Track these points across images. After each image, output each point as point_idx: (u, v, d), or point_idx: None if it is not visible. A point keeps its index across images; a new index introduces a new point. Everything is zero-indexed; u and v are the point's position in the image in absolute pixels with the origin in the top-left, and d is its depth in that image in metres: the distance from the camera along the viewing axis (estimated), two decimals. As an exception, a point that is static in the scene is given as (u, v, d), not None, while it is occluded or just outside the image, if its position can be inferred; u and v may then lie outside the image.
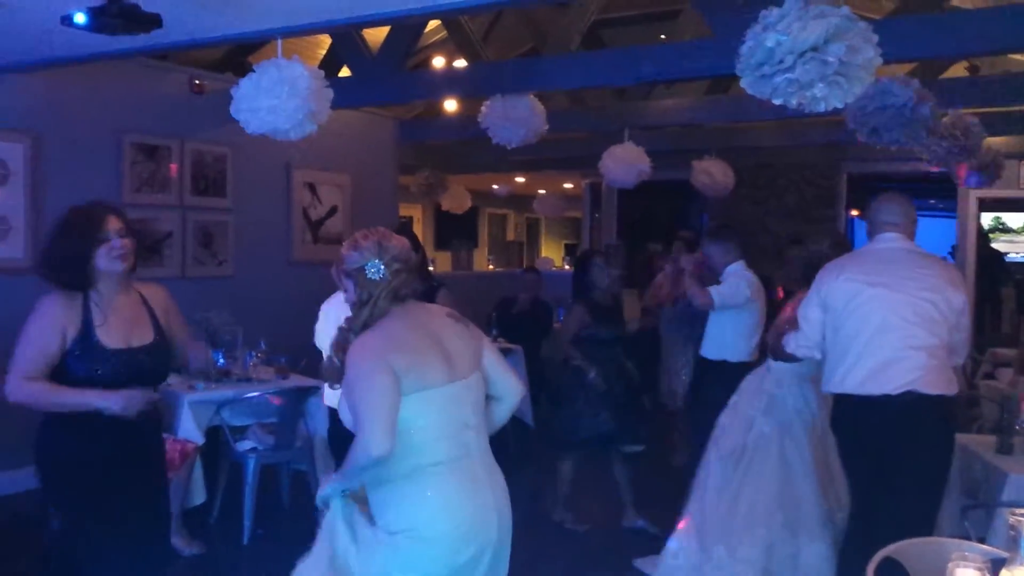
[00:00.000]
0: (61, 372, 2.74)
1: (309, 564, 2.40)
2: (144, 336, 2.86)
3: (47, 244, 2.85)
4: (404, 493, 2.35)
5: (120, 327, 2.81)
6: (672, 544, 4.17)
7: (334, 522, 2.38)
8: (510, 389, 2.63)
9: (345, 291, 2.54)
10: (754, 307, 4.82)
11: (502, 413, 2.66)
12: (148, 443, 2.99)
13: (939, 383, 3.26)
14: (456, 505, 2.36)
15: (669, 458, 6.35)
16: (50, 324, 2.72)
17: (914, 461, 3.26)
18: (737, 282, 4.78)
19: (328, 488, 2.40)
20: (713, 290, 4.77)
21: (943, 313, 3.30)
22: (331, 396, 3.38)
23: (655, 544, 4.61)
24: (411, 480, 2.34)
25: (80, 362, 2.73)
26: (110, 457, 2.80)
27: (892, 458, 3.28)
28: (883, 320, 3.30)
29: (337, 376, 2.47)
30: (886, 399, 3.25)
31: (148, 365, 2.85)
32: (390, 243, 2.50)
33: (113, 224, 2.80)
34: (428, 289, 4.50)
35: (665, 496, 5.38)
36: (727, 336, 4.81)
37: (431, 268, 8.91)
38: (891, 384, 3.25)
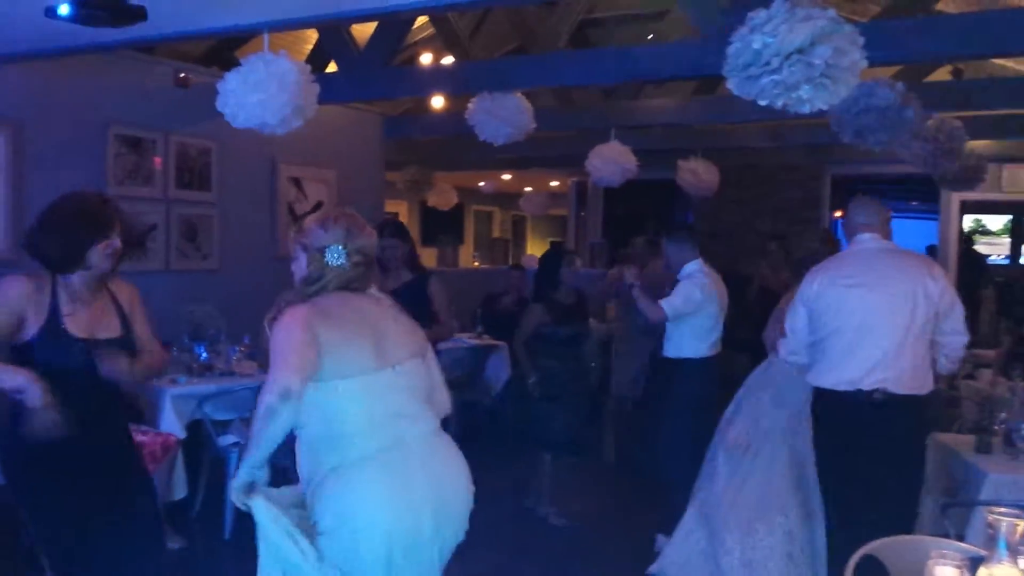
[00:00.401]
0: (27, 362, 2.71)
1: None
2: (111, 330, 2.86)
3: (49, 222, 2.81)
4: (334, 488, 2.30)
5: (87, 318, 2.81)
6: (683, 529, 4.26)
7: (273, 537, 2.28)
8: (438, 404, 2.57)
9: (294, 260, 2.52)
10: (709, 308, 4.77)
11: None
12: (114, 438, 2.95)
13: (911, 383, 3.42)
14: (385, 499, 2.29)
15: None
16: (5, 303, 2.72)
17: (887, 456, 3.40)
18: (688, 289, 4.72)
19: (242, 470, 2.28)
20: (665, 303, 4.70)
21: (922, 307, 3.43)
22: None
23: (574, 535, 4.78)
24: (340, 475, 2.29)
25: (46, 350, 2.72)
26: (76, 454, 2.76)
27: (865, 453, 3.43)
28: (862, 321, 3.45)
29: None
30: (859, 395, 3.42)
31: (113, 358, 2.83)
32: (360, 233, 2.46)
33: (118, 226, 2.85)
34: (420, 278, 4.51)
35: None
36: (684, 338, 4.80)
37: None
38: (865, 382, 3.42)
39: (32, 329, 2.72)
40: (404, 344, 2.46)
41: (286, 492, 2.42)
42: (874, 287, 3.46)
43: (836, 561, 3.46)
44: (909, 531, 3.27)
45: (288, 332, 2.28)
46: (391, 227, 4.65)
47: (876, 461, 3.39)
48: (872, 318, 3.43)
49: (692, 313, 4.72)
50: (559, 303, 5.03)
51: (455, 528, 2.47)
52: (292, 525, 2.27)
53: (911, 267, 3.52)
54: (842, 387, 3.47)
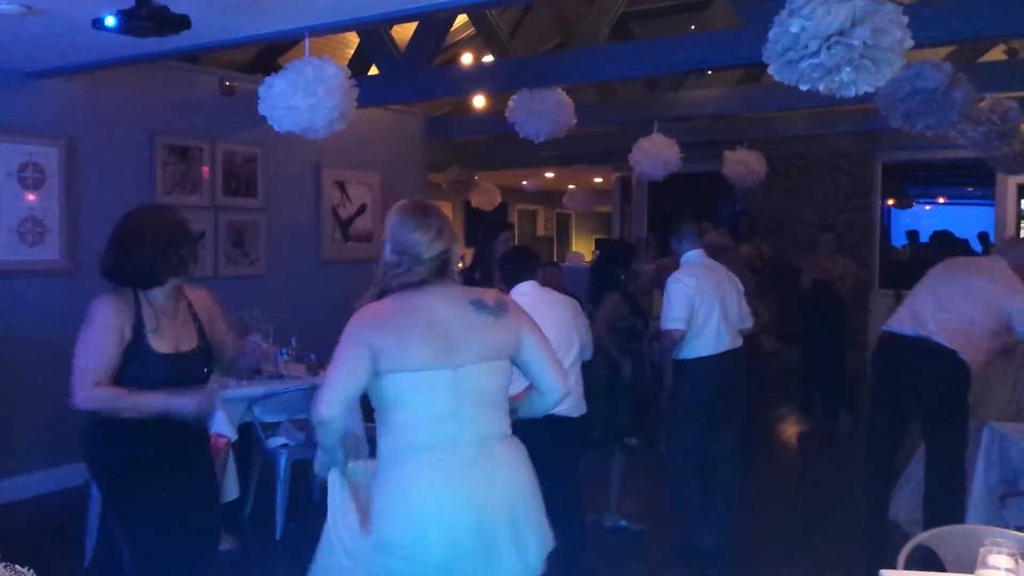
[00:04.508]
0: (115, 378, 2.76)
1: (323, 551, 2.48)
2: (191, 341, 2.91)
3: (131, 239, 2.84)
4: (388, 469, 2.36)
5: (170, 332, 2.85)
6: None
7: (335, 508, 2.47)
8: (550, 385, 2.52)
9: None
10: (705, 304, 4.40)
11: (540, 405, 2.58)
12: (195, 441, 3.02)
13: (954, 341, 4.26)
14: (429, 493, 2.29)
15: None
16: (110, 330, 2.75)
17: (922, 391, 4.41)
18: (669, 298, 4.43)
19: (318, 457, 2.52)
20: (671, 321, 4.39)
21: (983, 301, 4.30)
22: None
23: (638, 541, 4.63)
24: (389, 462, 2.35)
25: (131, 366, 2.77)
26: (157, 457, 2.84)
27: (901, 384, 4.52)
28: (935, 289, 4.48)
29: None
30: (902, 337, 4.48)
31: (193, 370, 2.90)
32: (438, 235, 2.41)
33: (189, 232, 2.94)
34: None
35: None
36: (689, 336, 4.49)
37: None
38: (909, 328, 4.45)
39: (124, 347, 2.78)
40: (477, 346, 2.38)
41: (365, 465, 2.57)
42: (958, 274, 4.51)
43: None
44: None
45: (342, 345, 2.36)
46: (502, 222, 4.78)
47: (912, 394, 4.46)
48: (942, 289, 4.45)
49: (696, 309, 4.41)
50: (631, 296, 4.85)
51: (517, 532, 2.38)
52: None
53: (994, 276, 4.38)
54: (889, 327, 4.61)
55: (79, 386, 2.73)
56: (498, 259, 4.33)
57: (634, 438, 4.87)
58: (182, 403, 2.77)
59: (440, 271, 2.43)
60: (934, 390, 4.35)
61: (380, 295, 2.42)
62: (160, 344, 2.81)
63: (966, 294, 4.34)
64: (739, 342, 4.57)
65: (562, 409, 3.69)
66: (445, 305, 2.41)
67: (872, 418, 4.96)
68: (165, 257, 2.81)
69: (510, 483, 2.39)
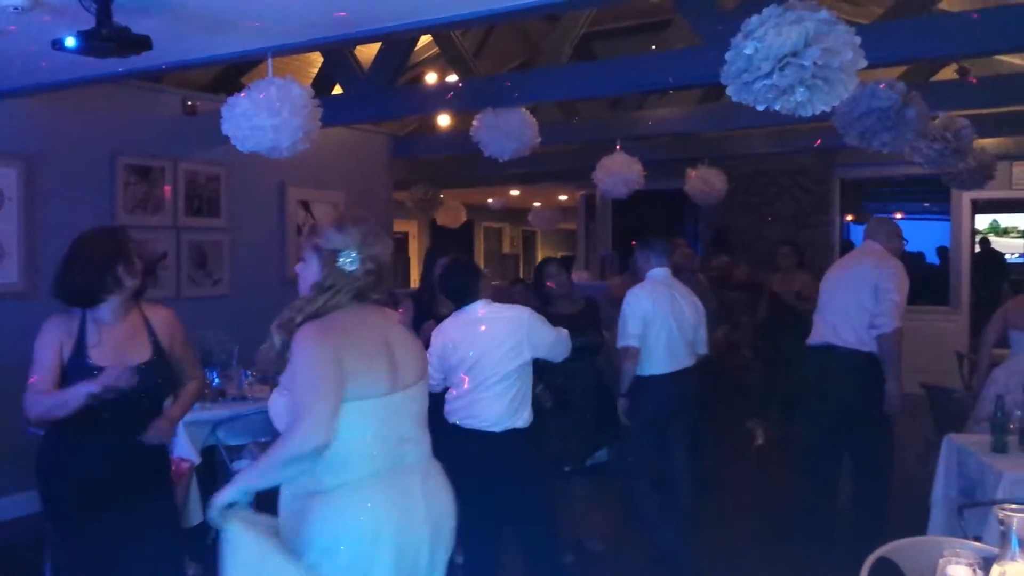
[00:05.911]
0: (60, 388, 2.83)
1: None
2: (140, 354, 2.91)
3: (70, 260, 2.91)
4: (332, 508, 2.20)
5: (115, 346, 2.87)
6: None
7: (256, 559, 2.18)
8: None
9: (303, 261, 2.40)
10: (657, 321, 4.44)
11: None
12: (149, 461, 3.01)
13: (853, 341, 4.67)
14: (387, 519, 2.22)
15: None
16: (50, 344, 2.84)
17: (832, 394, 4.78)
18: (623, 315, 4.49)
19: (231, 490, 2.19)
20: (625, 338, 4.47)
21: (865, 287, 4.65)
22: None
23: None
24: (340, 495, 2.20)
25: (73, 380, 2.80)
26: (109, 475, 2.83)
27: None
28: (831, 291, 4.91)
29: (277, 364, 2.28)
30: (811, 349, 4.95)
31: (143, 383, 2.87)
32: (376, 240, 2.33)
33: (132, 246, 2.97)
34: (592, 304, 4.85)
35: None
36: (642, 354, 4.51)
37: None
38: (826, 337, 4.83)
39: (64, 360, 2.84)
40: (412, 366, 2.38)
41: (262, 518, 2.31)
42: (837, 269, 4.99)
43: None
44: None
45: (315, 364, 2.17)
46: (556, 262, 5.17)
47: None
48: (827, 288, 4.90)
49: (648, 326, 4.46)
50: (561, 314, 4.69)
51: (446, 549, 2.43)
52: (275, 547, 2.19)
53: (867, 259, 4.78)
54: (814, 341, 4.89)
55: (26, 398, 2.84)
56: (439, 278, 4.14)
57: (590, 471, 4.79)
58: (93, 385, 2.73)
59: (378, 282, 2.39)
60: (844, 390, 4.70)
61: (327, 304, 2.31)
62: (101, 358, 2.83)
63: (843, 285, 4.73)
64: (692, 361, 4.59)
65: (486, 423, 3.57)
66: (385, 320, 2.41)
67: (807, 434, 5.22)
68: (99, 277, 2.86)
69: (446, 503, 2.42)
